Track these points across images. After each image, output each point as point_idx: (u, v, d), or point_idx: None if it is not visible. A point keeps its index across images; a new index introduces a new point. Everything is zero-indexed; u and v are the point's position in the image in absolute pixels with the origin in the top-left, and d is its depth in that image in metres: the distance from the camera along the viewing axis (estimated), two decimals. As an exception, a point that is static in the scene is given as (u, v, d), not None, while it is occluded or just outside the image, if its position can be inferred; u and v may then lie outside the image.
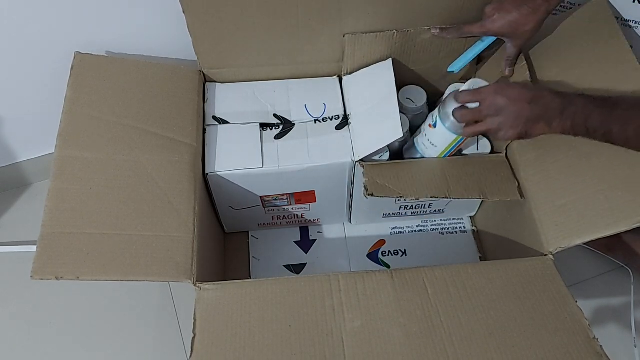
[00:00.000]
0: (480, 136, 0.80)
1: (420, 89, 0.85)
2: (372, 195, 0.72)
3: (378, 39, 0.77)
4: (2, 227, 1.00)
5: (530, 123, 0.63)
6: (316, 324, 0.61)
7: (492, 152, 0.80)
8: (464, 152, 0.80)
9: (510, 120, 0.64)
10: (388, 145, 0.77)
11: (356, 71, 0.83)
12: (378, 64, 0.81)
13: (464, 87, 0.71)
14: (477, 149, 0.80)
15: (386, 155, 0.78)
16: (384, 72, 0.80)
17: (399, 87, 0.81)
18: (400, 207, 0.88)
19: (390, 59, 0.80)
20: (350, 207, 0.90)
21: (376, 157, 0.78)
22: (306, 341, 0.60)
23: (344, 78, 0.84)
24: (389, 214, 0.90)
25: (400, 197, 0.73)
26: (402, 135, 0.74)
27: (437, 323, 0.61)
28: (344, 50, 0.79)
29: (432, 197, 0.73)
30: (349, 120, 0.80)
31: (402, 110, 0.82)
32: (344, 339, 0.61)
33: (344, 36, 0.78)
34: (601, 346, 0.59)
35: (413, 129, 0.82)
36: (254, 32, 0.78)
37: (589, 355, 0.58)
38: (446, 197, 0.73)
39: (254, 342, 0.60)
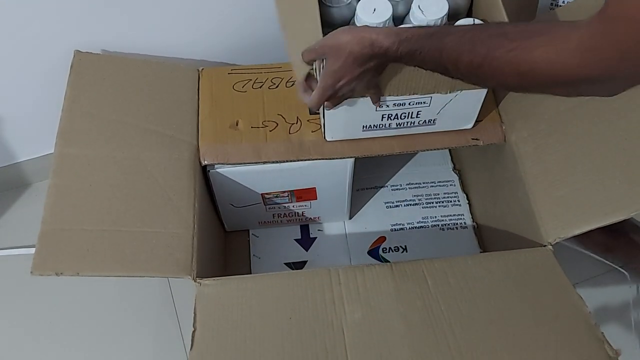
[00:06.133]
0: (475, 19, 0.70)
1: None
2: None
3: None
4: (1, 227, 1.01)
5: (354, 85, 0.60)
6: (316, 317, 0.61)
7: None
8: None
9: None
10: None
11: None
12: None
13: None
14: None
15: None
16: None
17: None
18: (382, 117, 0.74)
19: None
20: (351, 203, 0.90)
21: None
22: (307, 333, 0.60)
23: None
24: (370, 126, 0.76)
25: None
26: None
27: (438, 312, 0.61)
28: None
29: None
30: None
31: None
32: (345, 331, 0.60)
33: None
34: (602, 333, 0.59)
35: (397, 20, 0.72)
36: None
37: (590, 341, 0.58)
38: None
39: (254, 334, 0.60)
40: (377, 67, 0.59)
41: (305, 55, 0.61)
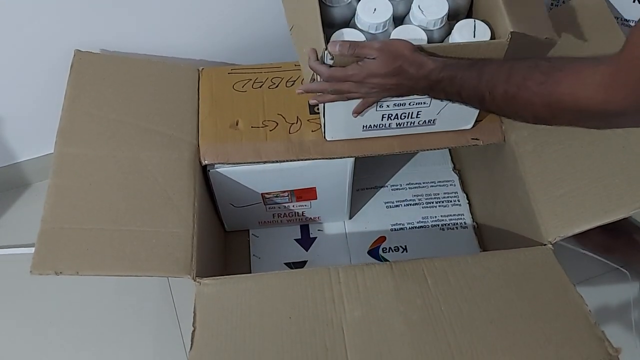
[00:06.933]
0: (476, 20, 0.69)
1: None
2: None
3: None
4: (1, 227, 1.01)
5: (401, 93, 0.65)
6: (316, 315, 0.61)
7: (492, 38, 0.68)
8: (457, 40, 0.68)
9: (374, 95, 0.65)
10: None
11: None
12: None
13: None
14: (474, 36, 0.68)
15: None
16: None
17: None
18: (382, 117, 0.75)
19: None
20: (351, 203, 0.90)
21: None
22: (306, 332, 0.60)
23: None
24: (370, 125, 0.76)
25: None
26: None
27: (438, 311, 0.61)
28: None
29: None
30: None
31: None
32: (344, 329, 0.60)
33: None
34: (603, 331, 0.59)
35: (397, 20, 0.72)
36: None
37: (590, 340, 0.58)
38: None
39: (254, 334, 0.60)
40: (405, 89, 0.62)
41: (351, 46, 0.61)
